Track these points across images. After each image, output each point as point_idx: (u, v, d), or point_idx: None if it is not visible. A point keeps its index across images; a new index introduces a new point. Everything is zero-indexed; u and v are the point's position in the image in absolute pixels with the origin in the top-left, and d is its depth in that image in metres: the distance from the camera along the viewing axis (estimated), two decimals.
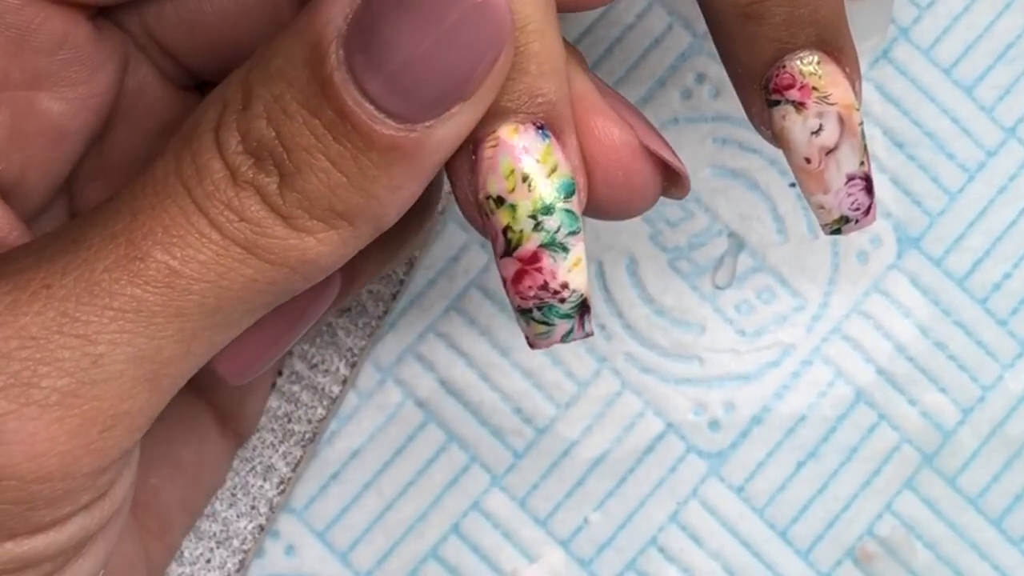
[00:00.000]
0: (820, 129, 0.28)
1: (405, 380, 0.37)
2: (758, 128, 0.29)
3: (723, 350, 0.37)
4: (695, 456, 0.37)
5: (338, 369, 0.36)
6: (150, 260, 0.25)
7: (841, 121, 0.28)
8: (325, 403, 0.36)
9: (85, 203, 0.31)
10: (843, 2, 0.28)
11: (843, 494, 0.37)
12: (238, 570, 0.35)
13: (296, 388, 0.36)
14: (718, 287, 0.37)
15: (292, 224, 0.25)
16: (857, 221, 0.29)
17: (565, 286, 0.27)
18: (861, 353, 0.37)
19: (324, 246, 0.25)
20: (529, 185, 0.26)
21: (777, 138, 0.29)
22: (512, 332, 0.37)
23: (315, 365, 0.36)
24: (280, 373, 0.36)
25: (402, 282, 0.37)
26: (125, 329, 0.25)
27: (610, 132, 0.27)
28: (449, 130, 0.25)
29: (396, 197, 0.25)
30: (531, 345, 0.28)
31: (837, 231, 0.29)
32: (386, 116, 0.24)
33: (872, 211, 0.29)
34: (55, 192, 0.30)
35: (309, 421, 0.36)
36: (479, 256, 0.37)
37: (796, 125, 0.28)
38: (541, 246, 0.26)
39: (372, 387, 0.37)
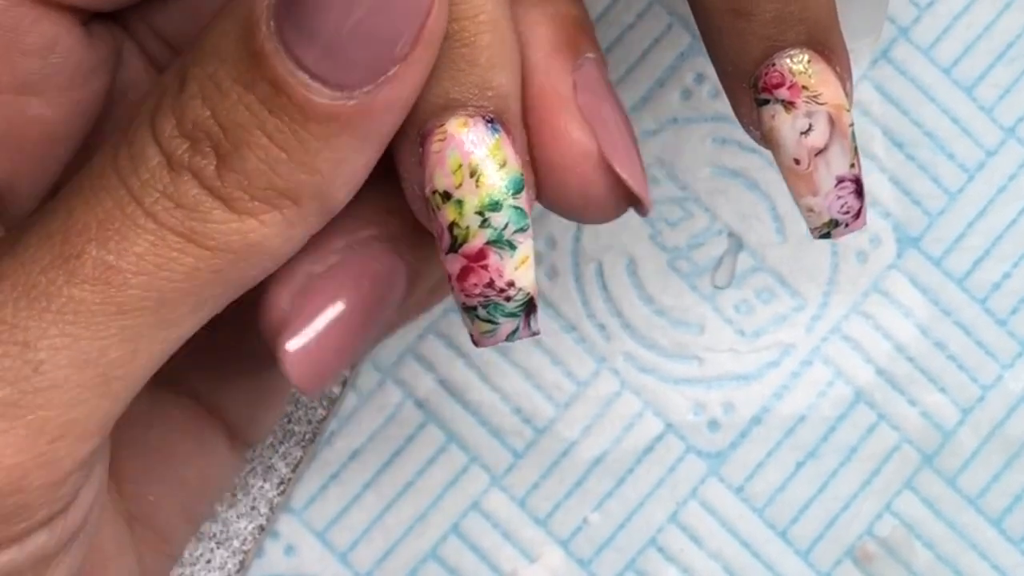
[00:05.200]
0: (809, 129, 0.28)
1: (405, 380, 0.37)
2: (746, 128, 0.29)
3: (722, 350, 0.37)
4: (694, 456, 0.37)
5: None
6: (85, 257, 0.24)
7: (831, 121, 0.28)
8: (325, 403, 0.36)
9: None
10: (834, 1, 0.28)
11: (843, 494, 0.37)
12: (238, 570, 0.35)
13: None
14: (717, 287, 0.37)
15: (232, 207, 0.24)
16: (847, 225, 0.28)
17: (511, 284, 0.26)
18: (861, 353, 0.37)
19: (268, 228, 0.24)
20: (477, 180, 0.25)
21: (765, 138, 0.28)
22: None
23: None
24: None
25: None
26: (66, 332, 0.24)
27: (569, 136, 0.27)
28: (387, 95, 0.24)
29: (341, 171, 0.24)
30: (475, 343, 0.27)
31: (827, 235, 0.28)
32: (321, 85, 0.24)
33: (862, 215, 0.28)
34: (46, 196, 0.30)
35: (309, 422, 0.36)
36: None
37: (785, 125, 0.28)
38: (488, 243, 0.26)
39: (372, 387, 0.37)
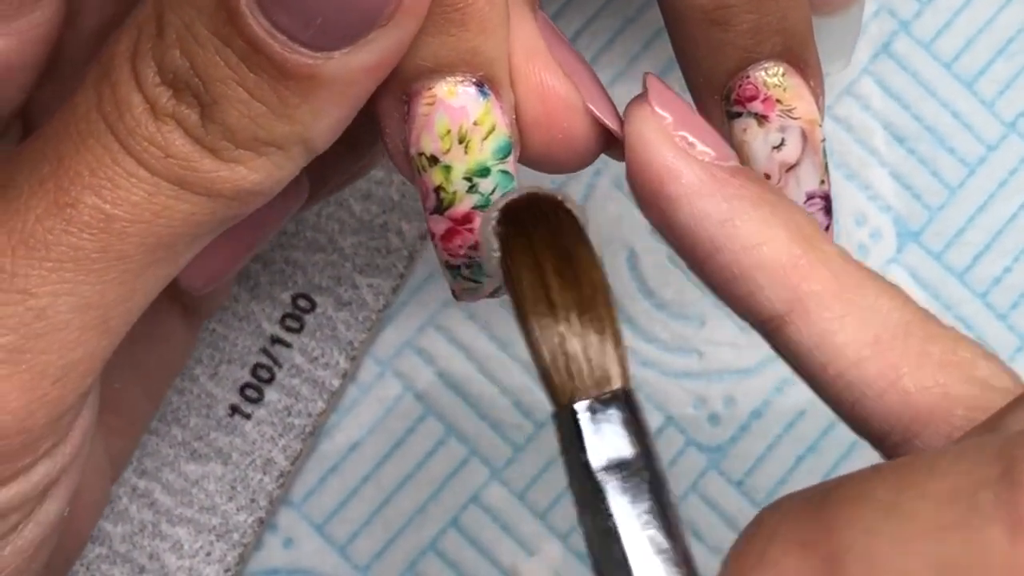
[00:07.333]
0: (782, 144, 0.27)
1: (404, 373, 0.37)
2: None
3: (723, 344, 0.37)
4: (695, 450, 0.37)
5: (338, 363, 0.36)
6: (81, 206, 0.24)
7: (804, 137, 0.27)
8: (325, 396, 0.36)
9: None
10: (810, 15, 0.27)
11: None
12: (237, 563, 0.35)
13: (296, 382, 0.36)
14: None
15: (219, 156, 0.24)
16: None
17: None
18: None
19: (256, 174, 0.25)
20: (466, 147, 0.25)
21: (736, 152, 0.27)
22: (512, 326, 0.37)
23: (315, 359, 0.36)
24: (280, 365, 0.36)
25: (402, 276, 0.37)
26: (66, 279, 0.24)
27: (556, 93, 0.26)
28: (368, 56, 0.24)
29: (322, 121, 0.24)
30: (456, 298, 0.27)
31: None
32: (299, 45, 0.23)
33: (830, 232, 0.28)
34: (6, 124, 0.29)
35: (309, 415, 0.36)
36: None
37: (757, 139, 0.27)
38: (474, 207, 0.26)
39: (371, 380, 0.37)
